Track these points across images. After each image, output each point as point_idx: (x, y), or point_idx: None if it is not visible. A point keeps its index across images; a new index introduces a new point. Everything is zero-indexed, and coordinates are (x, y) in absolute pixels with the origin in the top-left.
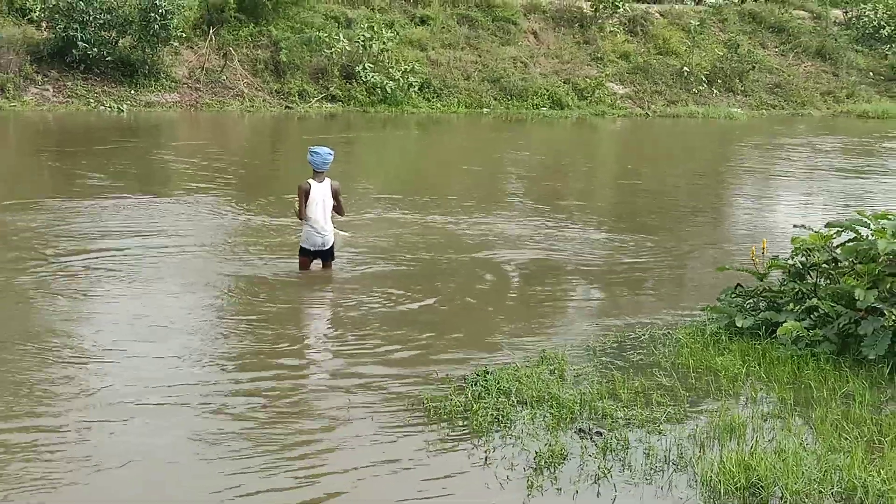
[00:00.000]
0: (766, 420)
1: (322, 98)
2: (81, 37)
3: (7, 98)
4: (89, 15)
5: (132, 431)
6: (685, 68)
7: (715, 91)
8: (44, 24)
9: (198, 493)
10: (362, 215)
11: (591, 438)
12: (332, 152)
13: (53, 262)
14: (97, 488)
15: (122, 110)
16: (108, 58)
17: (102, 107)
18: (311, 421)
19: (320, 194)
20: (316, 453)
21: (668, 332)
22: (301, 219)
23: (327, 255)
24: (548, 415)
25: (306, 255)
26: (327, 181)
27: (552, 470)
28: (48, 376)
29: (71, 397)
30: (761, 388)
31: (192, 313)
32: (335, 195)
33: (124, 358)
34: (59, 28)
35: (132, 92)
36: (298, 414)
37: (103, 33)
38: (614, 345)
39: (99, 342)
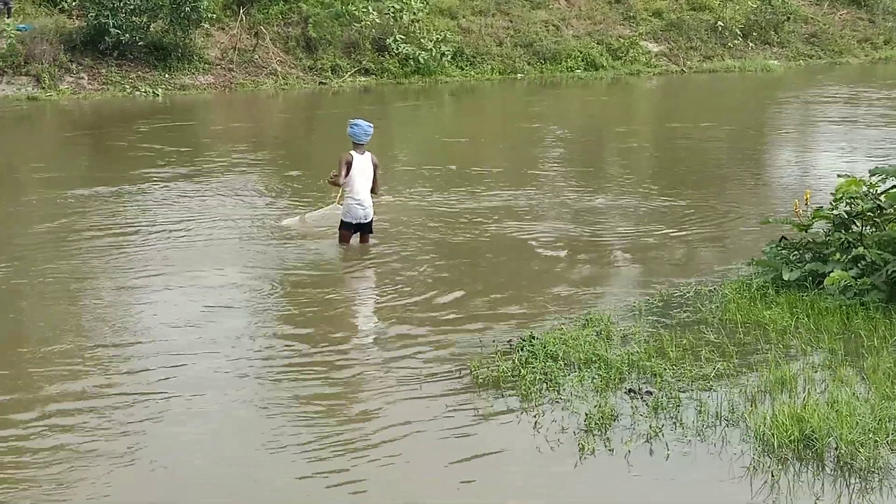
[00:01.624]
0: (817, 371)
1: (355, 72)
2: (113, 23)
3: (43, 88)
4: (120, 1)
5: (192, 411)
6: (719, 22)
7: (750, 44)
8: (75, 13)
9: (252, 464)
10: (397, 188)
11: (641, 398)
12: (371, 125)
13: (100, 247)
14: (162, 468)
15: (158, 94)
16: (141, 43)
17: (138, 92)
18: (359, 392)
19: (361, 166)
20: (366, 424)
21: (714, 289)
22: (338, 185)
23: (367, 228)
24: (596, 376)
25: (347, 230)
26: (367, 154)
27: (603, 431)
28: (101, 362)
29: (128, 377)
30: (811, 340)
31: (235, 294)
32: (374, 169)
33: (174, 342)
34: (91, 16)
35: (166, 76)
36: (346, 386)
37: (134, 19)
38: (660, 304)
39: (152, 327)
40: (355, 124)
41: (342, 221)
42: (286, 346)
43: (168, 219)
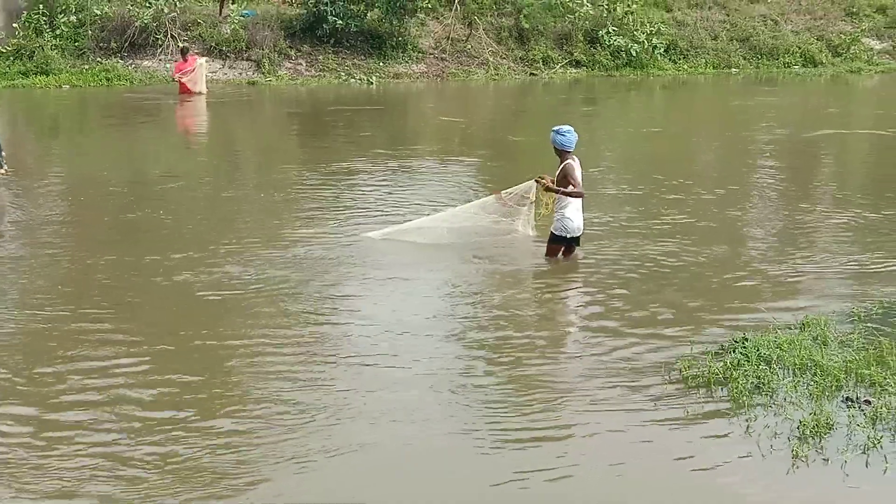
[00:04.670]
0: None
1: (566, 63)
2: (331, 11)
3: (263, 73)
4: None
5: (390, 405)
6: None
7: None
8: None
9: (456, 461)
10: (602, 190)
11: (858, 407)
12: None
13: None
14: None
15: (371, 82)
16: (356, 30)
17: (353, 79)
18: (568, 395)
19: (580, 175)
20: (574, 425)
21: None
22: (581, 195)
23: (577, 241)
24: (811, 383)
25: (559, 243)
26: (576, 159)
27: (818, 439)
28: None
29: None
30: None
31: (442, 298)
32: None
33: (382, 338)
34: (311, 3)
35: (380, 64)
36: (555, 390)
37: (352, 7)
38: (880, 311)
39: (357, 321)
40: (567, 132)
41: (554, 235)
42: (493, 349)
43: (379, 209)
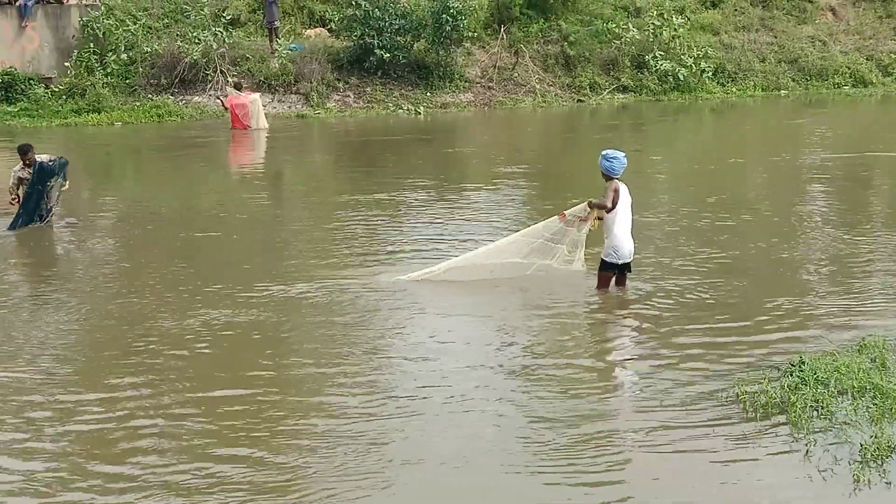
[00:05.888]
0: None
1: (613, 89)
2: (378, 43)
3: (312, 106)
4: (384, 21)
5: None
6: None
7: None
8: (326, 31)
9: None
10: (646, 218)
11: None
12: (625, 154)
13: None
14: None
15: (419, 112)
16: (404, 62)
17: (401, 110)
18: (620, 419)
19: (626, 198)
20: (632, 457)
21: None
22: (609, 211)
23: (627, 268)
24: (871, 406)
25: (610, 270)
26: (623, 186)
27: (879, 463)
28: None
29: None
30: None
31: (484, 342)
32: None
33: (425, 369)
34: (356, 36)
35: (428, 94)
36: (607, 412)
37: (398, 38)
38: None
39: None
40: (613, 157)
41: (605, 262)
42: (543, 387)
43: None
